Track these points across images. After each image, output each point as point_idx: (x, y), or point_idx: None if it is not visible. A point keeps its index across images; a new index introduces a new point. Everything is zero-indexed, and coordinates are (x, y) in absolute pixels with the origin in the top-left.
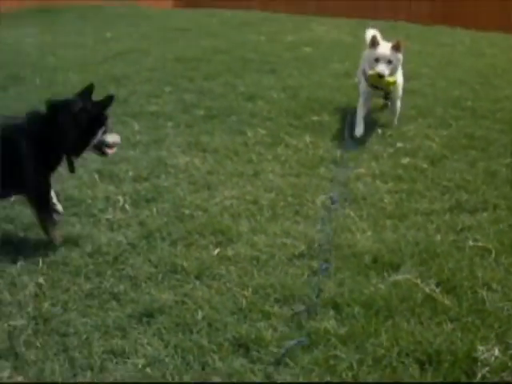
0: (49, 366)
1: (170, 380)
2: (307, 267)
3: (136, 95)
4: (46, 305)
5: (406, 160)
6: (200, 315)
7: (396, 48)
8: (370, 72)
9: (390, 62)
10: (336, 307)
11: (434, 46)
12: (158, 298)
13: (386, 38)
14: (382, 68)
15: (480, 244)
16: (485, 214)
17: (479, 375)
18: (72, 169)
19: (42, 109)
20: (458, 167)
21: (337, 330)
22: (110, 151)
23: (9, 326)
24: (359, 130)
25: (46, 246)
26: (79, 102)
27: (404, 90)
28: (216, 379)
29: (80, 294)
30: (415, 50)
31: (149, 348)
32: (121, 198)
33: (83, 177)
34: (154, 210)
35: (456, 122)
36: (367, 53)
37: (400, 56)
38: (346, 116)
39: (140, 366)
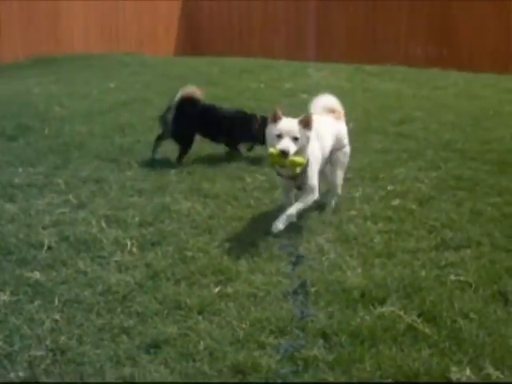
0: None
1: None
2: (300, 303)
3: (140, 144)
4: (62, 338)
5: (396, 202)
6: (202, 346)
7: (304, 124)
8: (271, 150)
9: (296, 139)
10: (325, 337)
11: (428, 89)
12: (164, 331)
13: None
14: (286, 144)
15: (461, 278)
16: (468, 251)
17: None
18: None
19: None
20: (445, 207)
21: (325, 357)
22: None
23: (29, 356)
24: (279, 225)
25: (60, 287)
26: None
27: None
28: None
29: (93, 329)
30: (410, 94)
31: (156, 375)
32: (128, 242)
33: (92, 222)
34: (159, 252)
35: (445, 164)
36: (267, 129)
37: (309, 134)
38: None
39: None
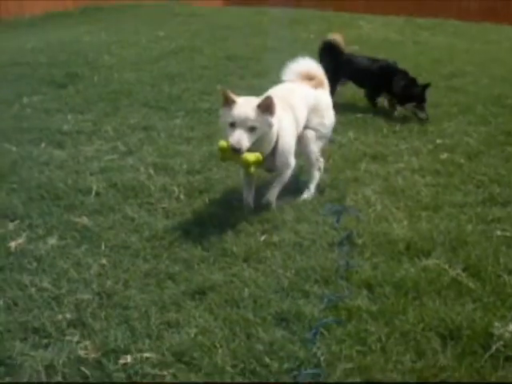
0: (112, 334)
1: (218, 347)
2: (346, 254)
3: (189, 92)
4: (108, 282)
5: (444, 155)
6: (246, 293)
7: (264, 108)
8: (221, 143)
9: (252, 128)
10: (369, 287)
11: (481, 44)
12: (209, 278)
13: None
14: (238, 138)
15: (508, 234)
16: None
17: (493, 348)
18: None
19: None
20: (493, 162)
21: (369, 308)
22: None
23: (76, 299)
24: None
25: (107, 232)
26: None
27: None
28: (259, 346)
29: (139, 274)
30: (462, 48)
31: (200, 320)
32: (176, 189)
33: (140, 169)
34: (207, 200)
35: (495, 119)
36: (221, 113)
37: (271, 120)
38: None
39: (192, 335)
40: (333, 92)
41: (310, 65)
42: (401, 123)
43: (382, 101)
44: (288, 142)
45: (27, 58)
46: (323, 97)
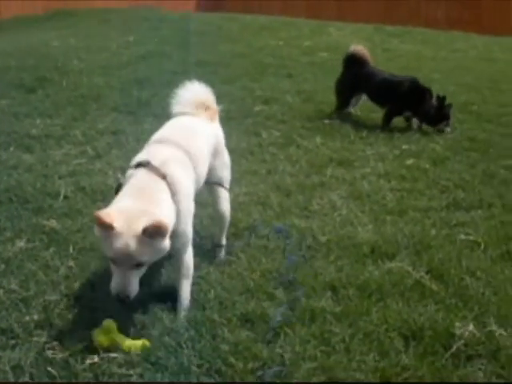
0: (79, 335)
1: (184, 347)
2: (310, 257)
3: (158, 97)
4: (76, 284)
5: (410, 161)
6: (212, 294)
7: (152, 234)
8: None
9: (139, 265)
10: (333, 289)
11: (448, 52)
12: (174, 281)
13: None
14: (121, 283)
15: (471, 238)
16: (479, 212)
17: (455, 347)
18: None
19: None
20: (458, 168)
21: (333, 309)
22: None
23: (44, 301)
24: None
25: (75, 235)
26: None
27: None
28: (224, 347)
29: (106, 277)
30: (429, 56)
31: (166, 321)
32: None
33: (108, 172)
34: None
35: (461, 126)
36: (96, 235)
37: (163, 245)
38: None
39: (158, 335)
40: (346, 105)
41: (202, 92)
42: (368, 130)
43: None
44: (188, 222)
45: None
46: (219, 132)
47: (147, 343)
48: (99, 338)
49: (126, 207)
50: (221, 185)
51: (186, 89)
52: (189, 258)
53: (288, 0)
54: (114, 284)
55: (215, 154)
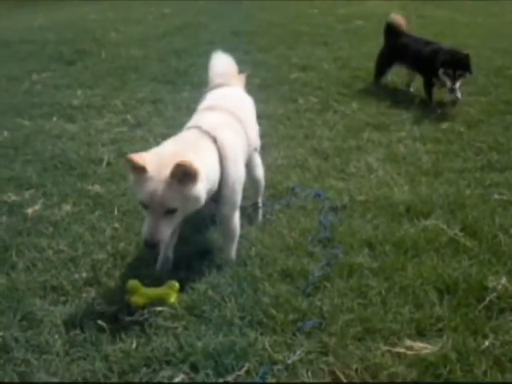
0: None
1: (227, 301)
2: (347, 216)
3: (195, 67)
4: (122, 244)
5: (445, 125)
6: (254, 251)
7: (181, 176)
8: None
9: (170, 211)
10: (370, 246)
11: (484, 17)
12: (218, 239)
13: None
14: (151, 230)
15: (504, 198)
16: None
17: (487, 300)
18: None
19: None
20: (492, 130)
21: (369, 264)
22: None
23: (92, 260)
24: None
25: (119, 199)
26: None
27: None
28: (265, 299)
29: None
30: (464, 22)
31: (210, 277)
32: None
33: (149, 139)
34: None
35: (496, 90)
36: (130, 179)
37: (197, 190)
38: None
39: (202, 290)
40: (382, 74)
41: (229, 62)
42: (403, 95)
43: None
44: (237, 189)
45: (35, 36)
46: (251, 101)
47: (175, 284)
48: (132, 299)
49: (164, 152)
50: (255, 149)
51: (214, 62)
52: (235, 225)
53: None
54: (145, 229)
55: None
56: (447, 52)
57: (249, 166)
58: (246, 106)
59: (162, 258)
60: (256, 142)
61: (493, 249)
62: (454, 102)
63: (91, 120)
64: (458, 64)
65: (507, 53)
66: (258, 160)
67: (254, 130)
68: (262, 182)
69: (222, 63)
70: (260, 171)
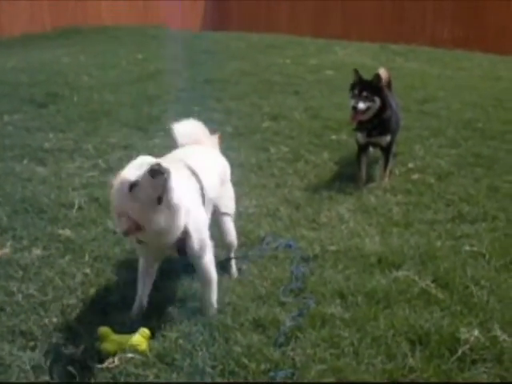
0: (97, 337)
1: (199, 349)
2: (319, 266)
3: (167, 113)
4: (92, 290)
5: (415, 176)
6: (225, 300)
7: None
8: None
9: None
10: (342, 296)
11: (453, 70)
12: (191, 287)
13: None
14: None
15: (475, 249)
16: (483, 224)
17: (460, 352)
18: None
19: None
20: (463, 183)
21: (342, 315)
22: None
23: (62, 305)
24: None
25: (90, 244)
26: None
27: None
28: (237, 349)
29: (121, 283)
30: (434, 74)
31: (181, 325)
32: None
33: None
34: None
35: (465, 142)
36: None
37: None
38: None
39: (174, 339)
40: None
41: (198, 126)
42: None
43: None
44: (201, 218)
45: (8, 78)
46: (226, 163)
47: (147, 331)
48: (103, 346)
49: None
50: (227, 214)
51: (183, 124)
52: (208, 266)
53: (293, 19)
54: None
55: (222, 182)
56: None
57: (220, 231)
58: (210, 164)
59: (137, 304)
60: (228, 205)
61: (464, 300)
62: None
63: (62, 164)
64: None
65: (476, 106)
66: (229, 225)
67: (212, 185)
68: (235, 244)
69: (188, 125)
70: (232, 236)
